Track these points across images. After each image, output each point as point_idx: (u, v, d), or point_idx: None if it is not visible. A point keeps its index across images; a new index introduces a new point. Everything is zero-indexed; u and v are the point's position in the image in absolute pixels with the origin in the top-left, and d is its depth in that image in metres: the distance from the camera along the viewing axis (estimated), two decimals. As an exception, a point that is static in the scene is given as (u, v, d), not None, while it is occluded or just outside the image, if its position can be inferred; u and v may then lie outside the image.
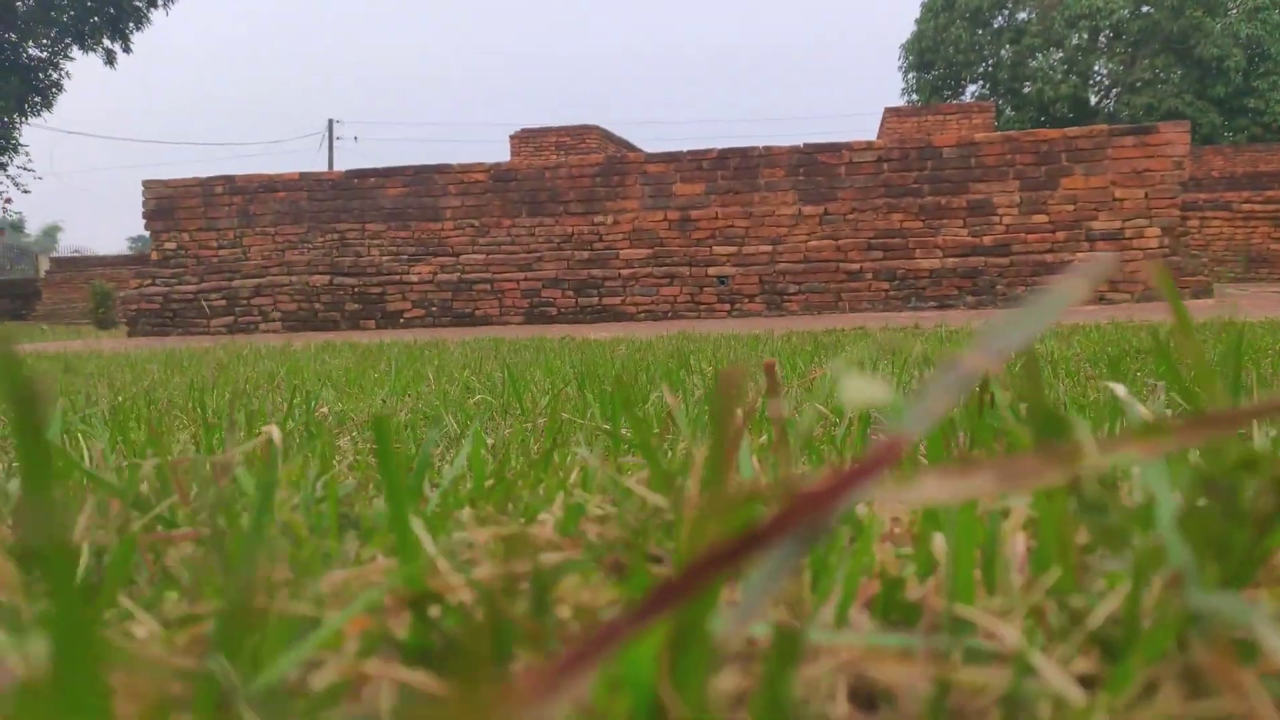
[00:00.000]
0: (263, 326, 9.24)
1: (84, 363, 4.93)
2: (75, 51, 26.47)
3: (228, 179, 9.52)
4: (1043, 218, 8.12)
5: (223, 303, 9.27)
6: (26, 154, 26.88)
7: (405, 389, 2.60)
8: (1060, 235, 8.05)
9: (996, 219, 8.20)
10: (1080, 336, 3.91)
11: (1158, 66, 29.25)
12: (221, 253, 9.48)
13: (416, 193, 9.18)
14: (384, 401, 2.09)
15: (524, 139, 19.58)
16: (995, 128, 20.35)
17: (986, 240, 8.15)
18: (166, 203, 9.54)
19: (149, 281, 9.44)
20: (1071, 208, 8.07)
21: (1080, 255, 7.98)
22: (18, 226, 30.06)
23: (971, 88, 34.15)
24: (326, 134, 47.31)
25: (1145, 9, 29.16)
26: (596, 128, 19.28)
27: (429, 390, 2.37)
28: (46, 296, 27.35)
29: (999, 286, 8.07)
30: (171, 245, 9.54)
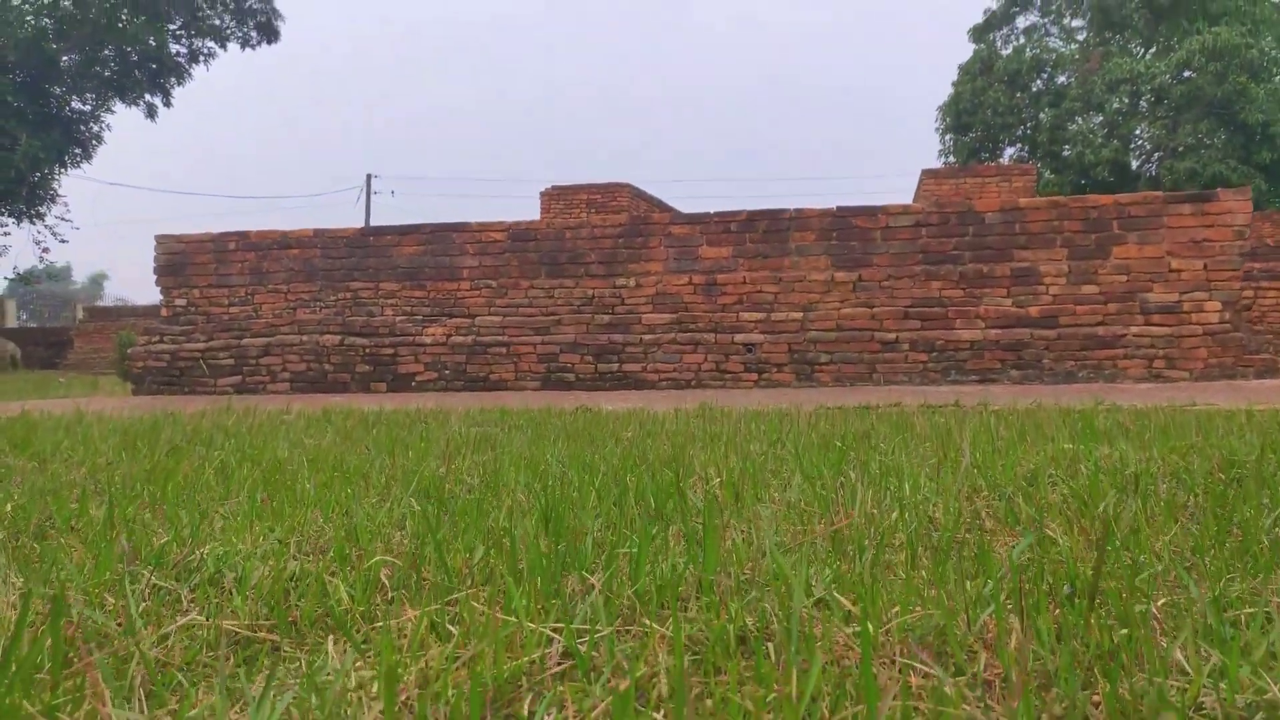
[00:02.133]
0: (270, 387, 8.90)
1: (39, 433, 4.55)
2: (117, 105, 26.88)
3: (241, 235, 9.27)
4: (1093, 288, 7.61)
5: (230, 361, 8.95)
6: (65, 204, 27.21)
7: (332, 507, 2.14)
8: (1112, 307, 7.52)
9: (1043, 288, 7.70)
10: (1156, 436, 3.39)
11: (1201, 131, 28.71)
12: (232, 310, 9.19)
13: (433, 251, 8.86)
14: (277, 542, 1.64)
15: (554, 196, 19.43)
16: (1036, 191, 19.87)
17: (1032, 311, 7.65)
18: (178, 258, 9.30)
19: (156, 339, 9.15)
20: (1124, 278, 7.55)
21: (1134, 329, 7.45)
22: (55, 276, 30.38)
23: (1010, 150, 33.80)
24: (364, 188, 47.85)
25: (1187, 74, 28.71)
26: (627, 186, 19.09)
27: (349, 518, 1.91)
28: (78, 345, 27.49)
29: (1045, 360, 7.54)
30: (182, 302, 9.27)
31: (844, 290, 8.03)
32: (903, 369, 7.76)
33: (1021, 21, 34.05)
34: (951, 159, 34.04)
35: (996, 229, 7.79)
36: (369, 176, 46.70)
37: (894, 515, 1.98)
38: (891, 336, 7.81)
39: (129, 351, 9.25)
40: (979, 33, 34.12)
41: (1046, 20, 34.08)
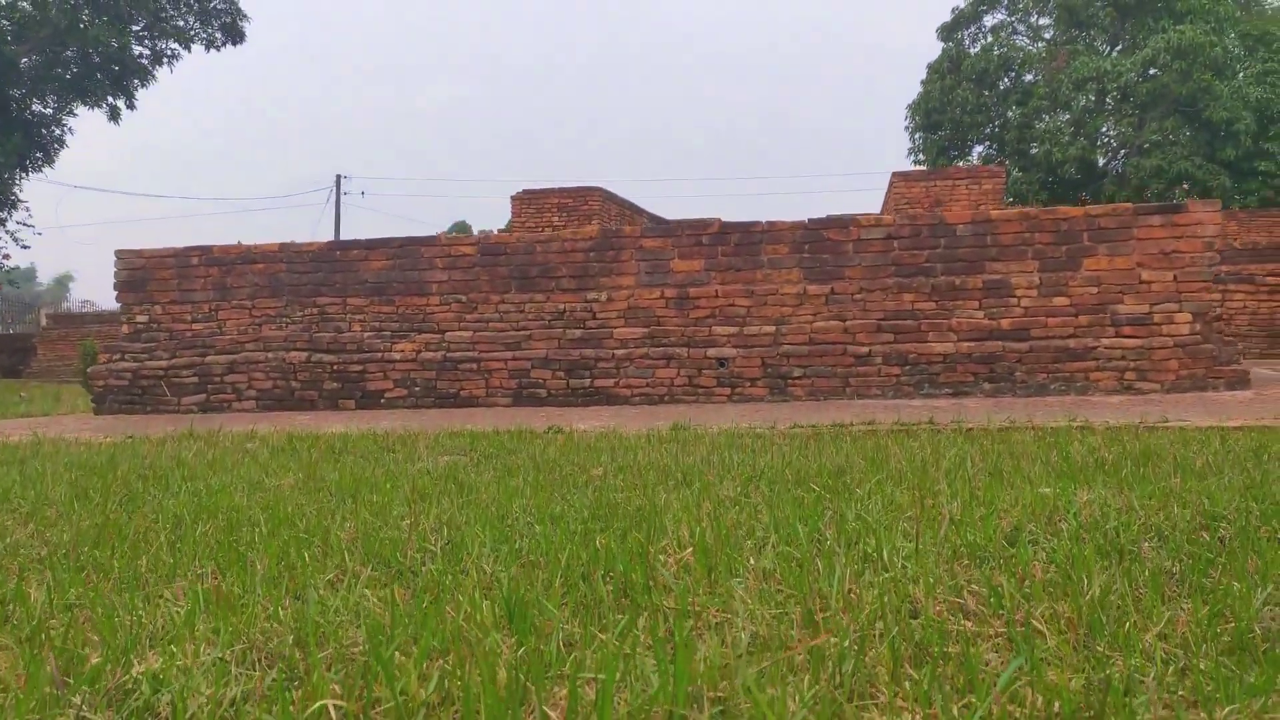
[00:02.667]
0: (236, 405, 8.73)
1: None
2: (79, 108, 26.39)
3: (204, 250, 9.08)
4: (1064, 300, 7.61)
5: (195, 379, 8.77)
6: (27, 209, 26.70)
7: (285, 587, 2.02)
8: (1083, 319, 7.53)
9: (1014, 301, 7.69)
10: (1133, 476, 3.32)
11: (1166, 129, 29.00)
12: (196, 326, 9.00)
13: (401, 266, 8.72)
14: (218, 658, 1.52)
15: (525, 200, 19.30)
16: (1005, 192, 19.96)
17: (1004, 323, 7.63)
18: (140, 274, 9.09)
19: (118, 357, 8.95)
20: (1095, 290, 7.56)
21: (1106, 341, 7.45)
22: (14, 283, 29.82)
23: (978, 148, 34.01)
24: (334, 189, 47.39)
25: (1153, 72, 28.98)
26: (599, 189, 18.99)
27: (303, 603, 1.79)
28: (42, 353, 26.99)
29: (1018, 373, 7.53)
30: (144, 318, 9.07)
31: (816, 303, 7.98)
32: (876, 383, 7.72)
33: (989, 20, 34.24)
34: (921, 157, 34.22)
35: (968, 241, 7.77)
36: (339, 177, 46.30)
37: (873, 594, 1.90)
38: (864, 350, 7.77)
39: (90, 371, 9.03)
40: (947, 31, 34.26)
41: (1014, 19, 34.28)
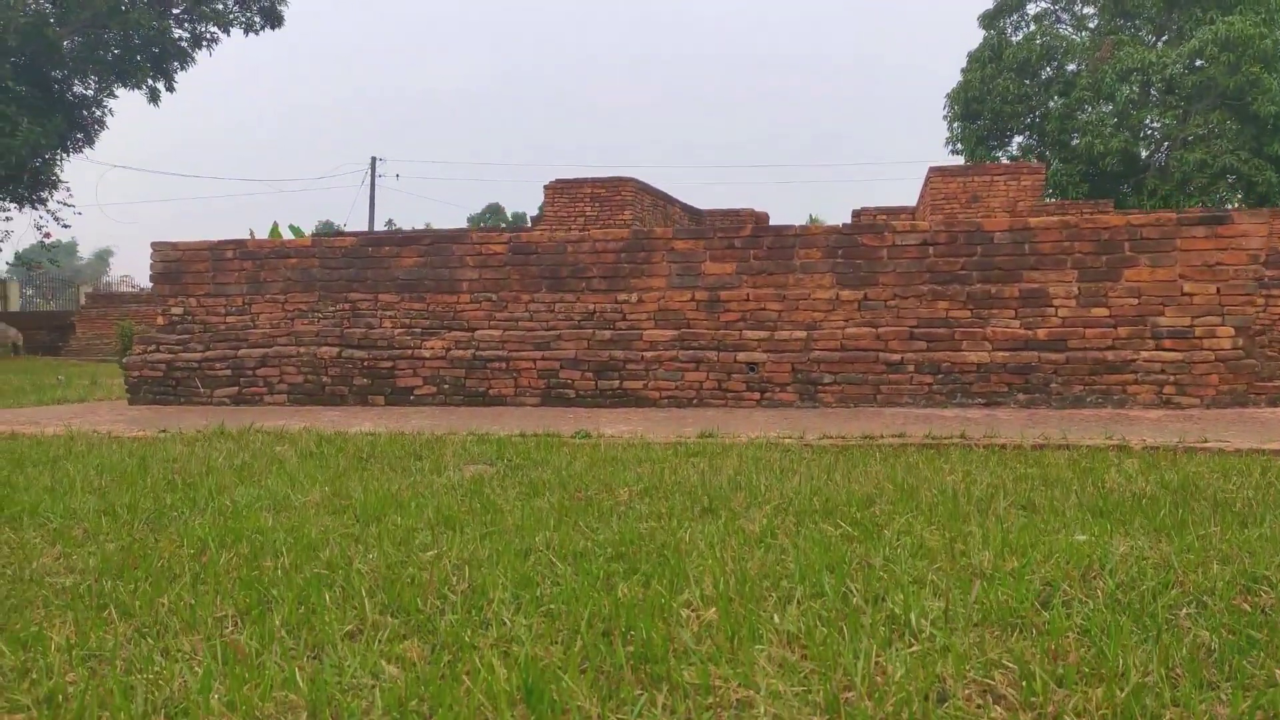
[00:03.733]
0: (267, 399, 8.79)
1: (24, 472, 4.38)
2: (120, 90, 26.66)
3: (238, 243, 9.14)
4: (1103, 311, 7.46)
5: (227, 372, 8.84)
6: (67, 189, 27.06)
7: (304, 640, 1.99)
8: (1122, 331, 7.37)
9: (1051, 310, 7.55)
10: (1171, 520, 3.19)
11: (1212, 122, 28.37)
12: (229, 319, 9.07)
13: (432, 263, 8.72)
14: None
15: (558, 189, 19.26)
16: (1046, 185, 19.64)
17: (1040, 334, 7.50)
18: (175, 266, 9.17)
19: (153, 348, 9.04)
20: (1135, 301, 7.40)
21: (1145, 354, 7.30)
22: (55, 261, 30.27)
23: (1018, 139, 33.49)
24: (370, 171, 47.62)
25: (1199, 63, 28.35)
26: (632, 180, 18.90)
27: (319, 662, 1.76)
28: (81, 331, 27.40)
29: (1053, 384, 7.40)
30: (178, 310, 9.15)
31: (849, 309, 7.89)
32: (908, 391, 7.63)
33: (1032, 8, 33.63)
34: (959, 147, 33.73)
35: (1005, 249, 7.64)
36: (374, 159, 46.50)
37: (901, 672, 1.85)
38: (896, 358, 7.67)
39: (125, 361, 9.14)
40: (989, 19, 33.70)
41: (1057, 7, 33.65)
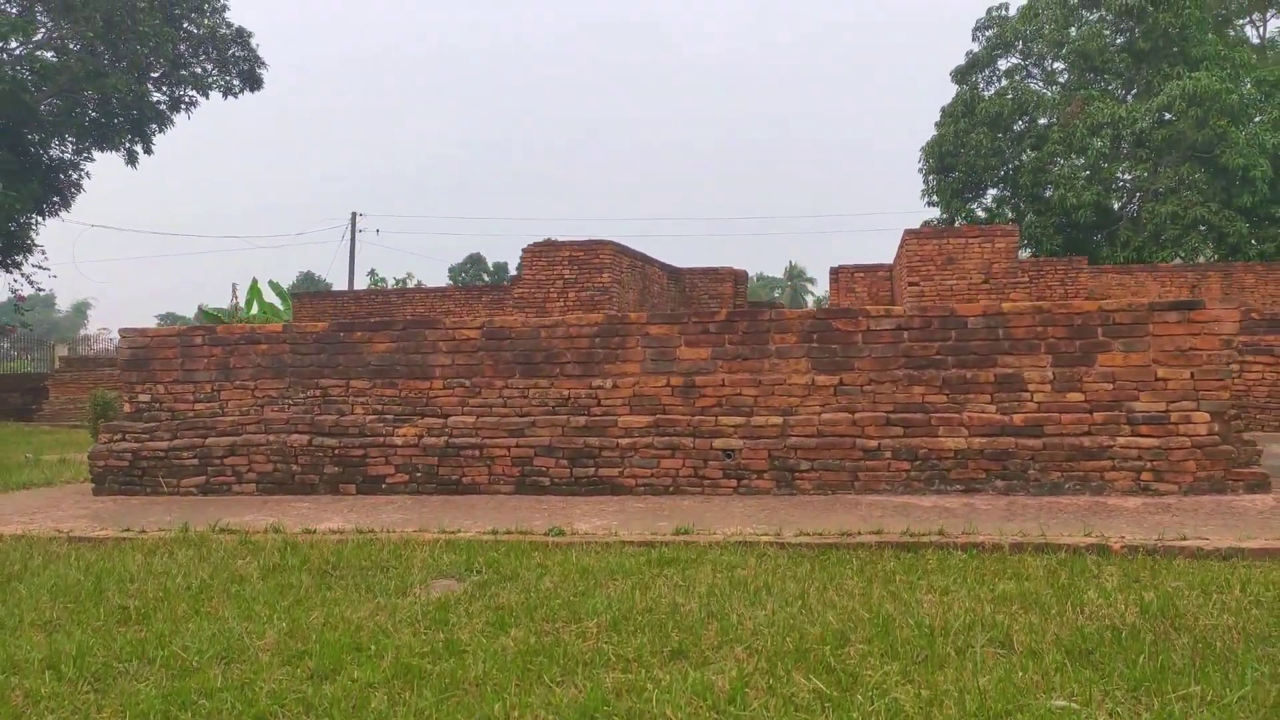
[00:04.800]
0: (236, 488, 8.63)
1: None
2: (96, 152, 26.62)
3: (208, 329, 9.03)
4: (1078, 396, 7.44)
5: (195, 462, 8.67)
6: (43, 252, 26.87)
7: None
8: (1098, 416, 7.35)
9: (1027, 395, 7.53)
10: (1155, 667, 3.06)
11: (1182, 175, 28.81)
12: (198, 406, 8.92)
13: (405, 349, 8.63)
14: None
15: (536, 253, 19.30)
16: (1020, 243, 19.81)
17: (1017, 419, 7.46)
18: (142, 353, 9.04)
19: (119, 436, 8.87)
20: (1110, 386, 7.39)
21: (1121, 440, 7.27)
22: (28, 325, 29.95)
23: (992, 191, 33.86)
24: (350, 227, 47.64)
25: (1168, 117, 28.85)
26: (610, 243, 18.95)
27: None
28: (54, 395, 27.03)
29: (1031, 471, 7.35)
30: (146, 397, 9.00)
31: (825, 394, 7.84)
32: (885, 478, 7.56)
33: (1003, 64, 34.21)
34: (935, 199, 34.07)
35: (980, 334, 7.63)
36: (354, 215, 46.53)
37: None
38: (874, 444, 7.61)
39: (90, 451, 8.96)
40: (961, 74, 34.26)
41: (1028, 62, 34.25)
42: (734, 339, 8.04)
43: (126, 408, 9.06)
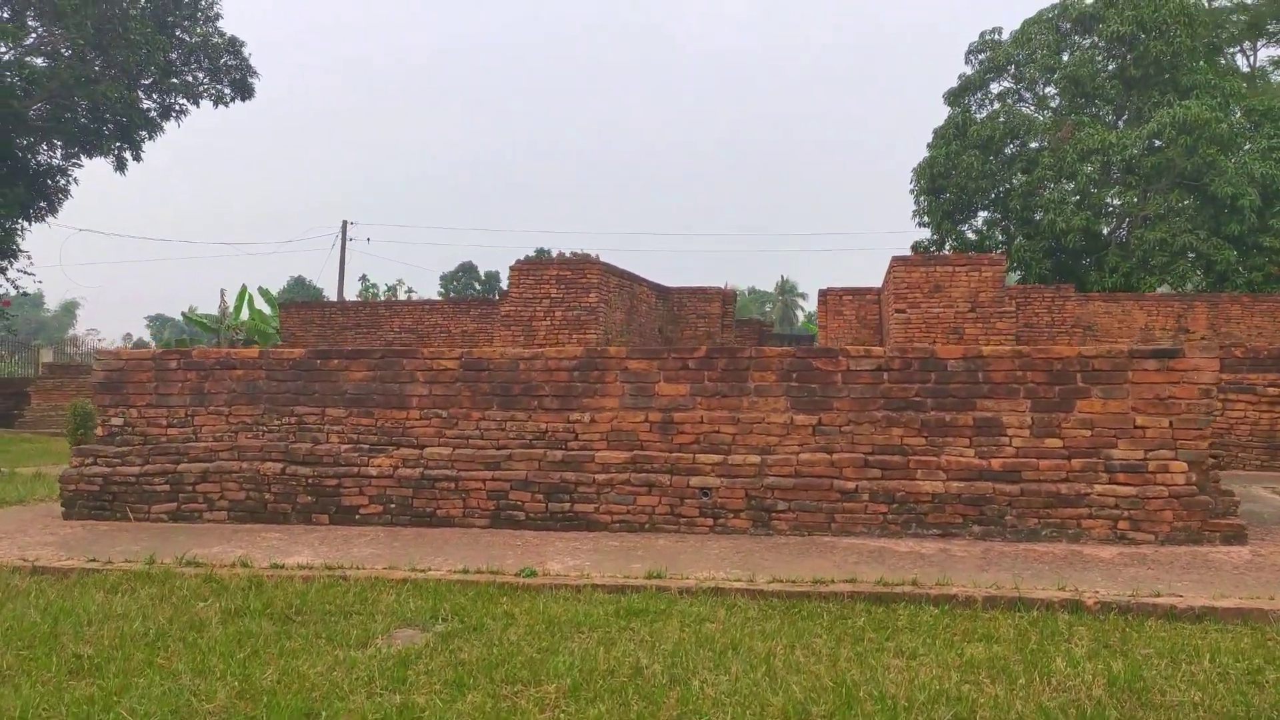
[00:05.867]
0: (207, 515, 8.52)
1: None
2: (85, 159, 26.48)
3: (183, 353, 8.94)
4: (1056, 442, 7.40)
5: (166, 488, 8.57)
6: (28, 258, 26.71)
7: None
8: (1076, 463, 7.31)
9: (1006, 440, 7.49)
10: None
11: (1171, 202, 28.95)
12: (171, 431, 8.82)
13: (382, 378, 8.56)
14: None
15: (524, 271, 19.24)
16: (1009, 266, 19.82)
17: (995, 464, 7.43)
18: (116, 376, 8.94)
19: (90, 460, 8.77)
20: (1088, 433, 7.36)
21: (1099, 488, 7.23)
22: (14, 330, 29.77)
23: (983, 213, 33.93)
24: (340, 235, 47.55)
25: (1157, 144, 28.98)
26: (598, 262, 18.91)
27: None
28: (36, 402, 26.86)
29: (1008, 517, 7.31)
30: (119, 421, 8.90)
31: (803, 434, 7.79)
32: (862, 520, 7.50)
33: (995, 87, 34.34)
34: (926, 220, 34.13)
35: (959, 376, 7.59)
36: (344, 223, 46.44)
37: None
38: (851, 486, 7.56)
39: (61, 475, 8.85)
40: (954, 96, 34.36)
41: (1020, 86, 34.38)
42: (713, 376, 7.98)
43: (99, 431, 8.96)
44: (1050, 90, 33.62)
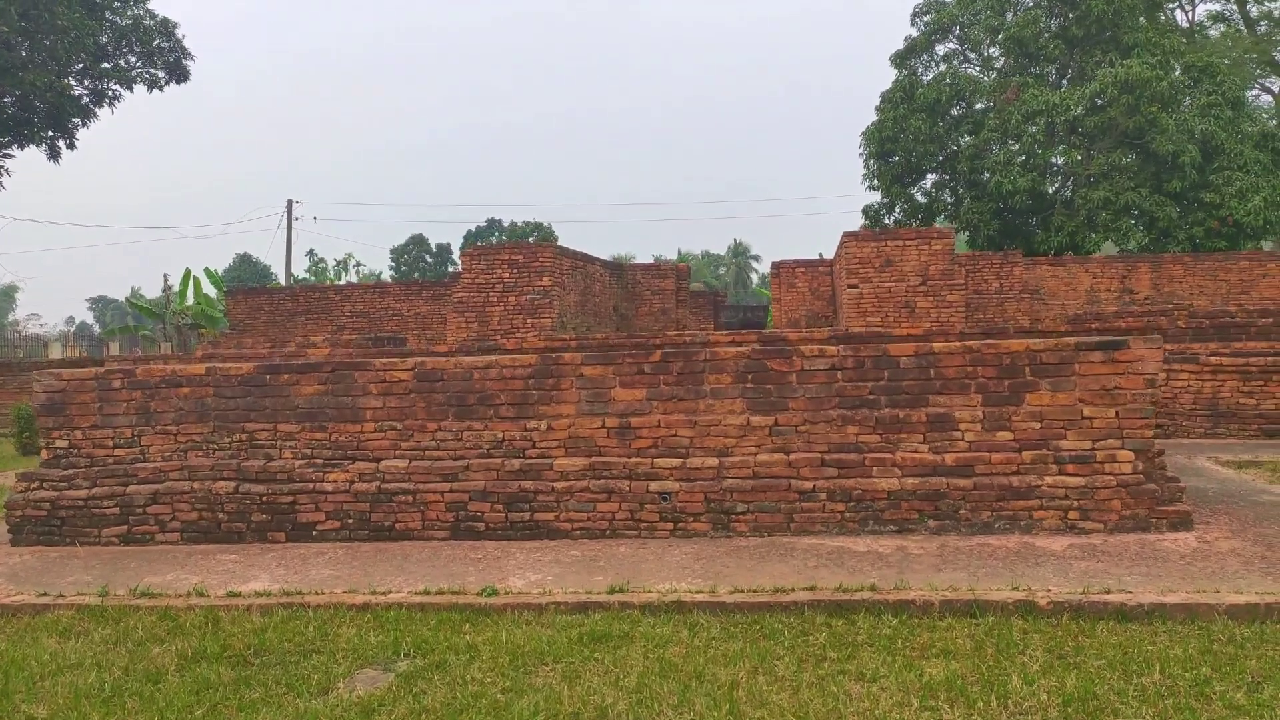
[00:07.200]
0: (160, 537, 8.39)
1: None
2: (16, 149, 25.65)
3: (127, 372, 8.73)
4: (1008, 435, 7.52)
5: (116, 511, 8.41)
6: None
7: None
8: (1027, 456, 7.44)
9: (958, 435, 7.60)
10: None
11: (1114, 160, 29.36)
12: (117, 452, 8.64)
13: (334, 391, 8.43)
14: None
15: (475, 256, 19.05)
16: (954, 251, 20.00)
17: (948, 459, 7.53)
18: (58, 397, 8.71)
19: (36, 485, 8.57)
20: (1038, 425, 7.48)
21: (1049, 480, 7.37)
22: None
23: (931, 176, 34.15)
24: (286, 214, 46.71)
25: (1100, 103, 29.29)
26: (550, 245, 18.78)
27: None
28: (-22, 401, 26.14)
29: (963, 511, 7.43)
30: (63, 444, 8.69)
31: (760, 435, 7.83)
32: (820, 519, 7.58)
33: (941, 49, 34.45)
34: (875, 184, 34.28)
35: (911, 373, 7.66)
36: (290, 202, 45.62)
37: None
38: (809, 485, 7.62)
39: (6, 501, 8.64)
40: (901, 59, 34.41)
41: (965, 48, 34.51)
42: (669, 379, 7.98)
43: (44, 454, 8.75)
44: (995, 51, 33.79)
